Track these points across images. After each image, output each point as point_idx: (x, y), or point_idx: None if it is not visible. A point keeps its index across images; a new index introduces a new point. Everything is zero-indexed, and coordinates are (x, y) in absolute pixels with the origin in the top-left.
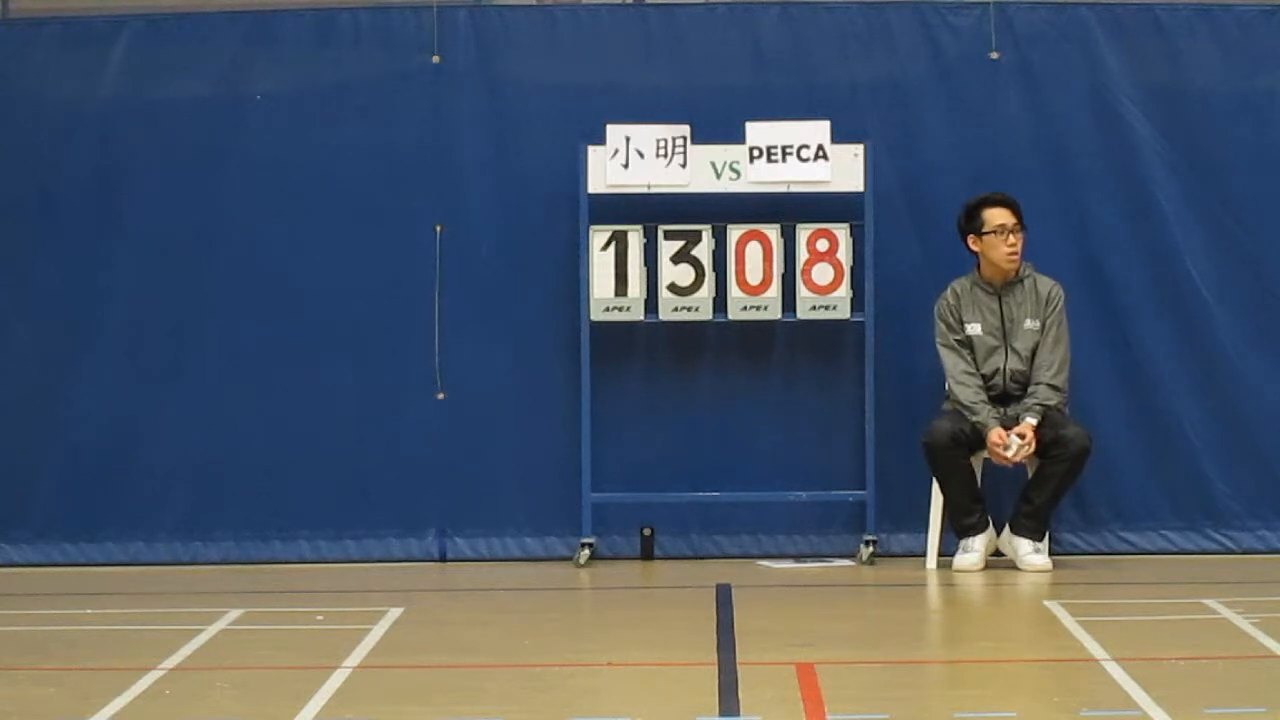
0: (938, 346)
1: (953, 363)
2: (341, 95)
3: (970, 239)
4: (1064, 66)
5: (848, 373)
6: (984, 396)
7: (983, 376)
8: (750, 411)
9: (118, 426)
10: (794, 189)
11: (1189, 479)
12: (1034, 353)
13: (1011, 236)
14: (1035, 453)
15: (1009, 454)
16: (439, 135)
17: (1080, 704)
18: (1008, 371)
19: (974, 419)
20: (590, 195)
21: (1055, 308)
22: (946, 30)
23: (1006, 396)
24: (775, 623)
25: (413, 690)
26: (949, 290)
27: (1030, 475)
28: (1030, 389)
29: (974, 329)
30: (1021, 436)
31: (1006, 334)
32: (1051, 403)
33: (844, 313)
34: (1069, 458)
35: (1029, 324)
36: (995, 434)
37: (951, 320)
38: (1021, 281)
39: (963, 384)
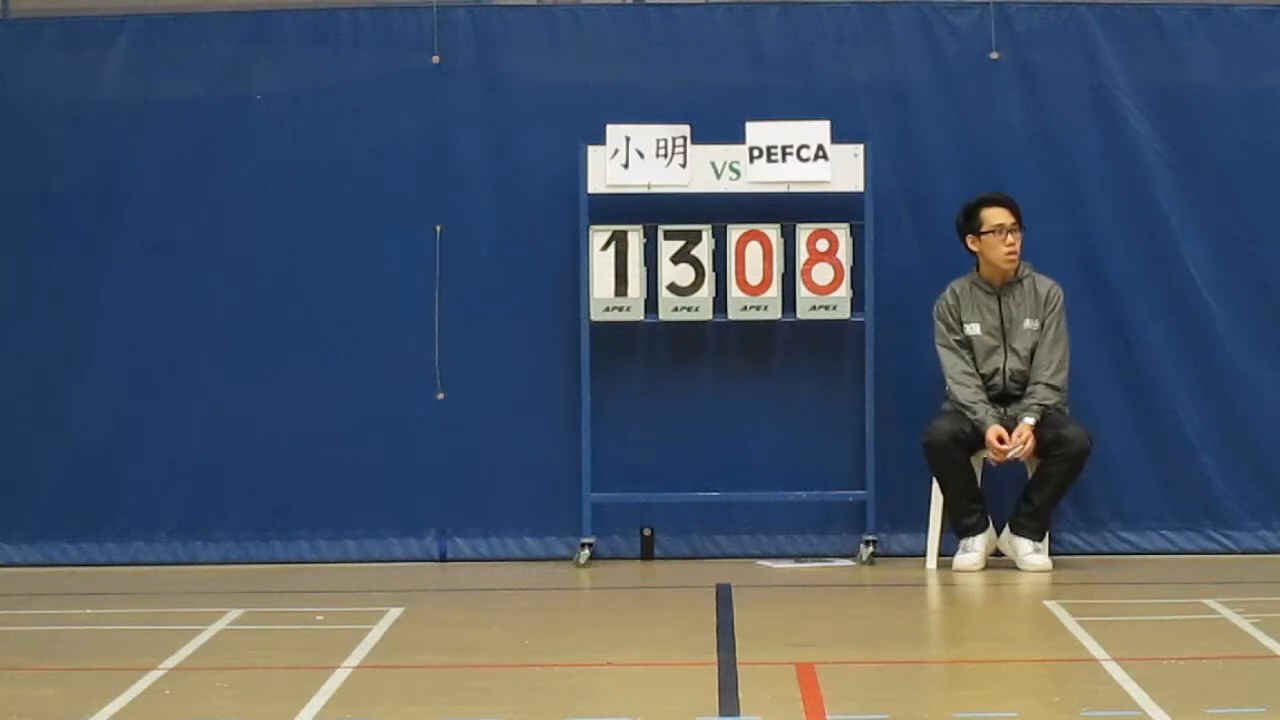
0: (937, 347)
1: (952, 363)
2: (341, 95)
3: (969, 239)
4: (1064, 66)
5: (848, 373)
6: (983, 396)
7: (982, 376)
8: (750, 412)
9: (118, 426)
10: (794, 189)
11: (1189, 479)
12: (1033, 352)
13: (1010, 236)
14: (1035, 453)
15: (1008, 451)
16: (439, 135)
17: (1080, 704)
18: (1007, 371)
19: (973, 418)
20: (590, 195)
21: (1054, 307)
22: (946, 30)
23: (1006, 396)
24: (775, 623)
25: (413, 690)
26: (948, 291)
27: (1030, 475)
28: (1029, 389)
29: (973, 329)
30: (1020, 437)
31: (1006, 334)
32: (1050, 402)
33: (844, 313)
34: (1069, 458)
35: (1028, 324)
36: (994, 432)
37: (951, 320)
38: (1020, 281)
39: (962, 384)
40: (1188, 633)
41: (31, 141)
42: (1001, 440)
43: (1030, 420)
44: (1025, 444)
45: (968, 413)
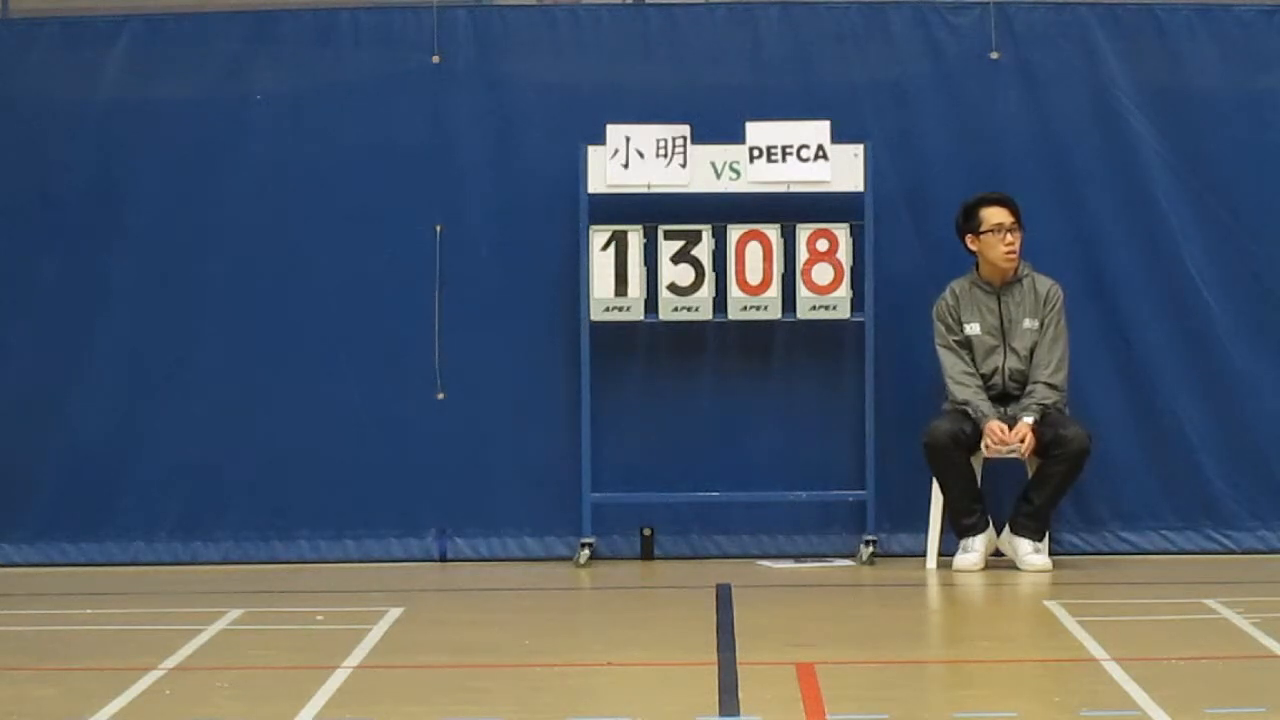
0: (936, 347)
1: (951, 363)
2: (341, 95)
3: (968, 239)
4: (1064, 66)
5: (848, 373)
6: (983, 396)
7: (982, 376)
8: (750, 411)
9: (118, 426)
10: (794, 189)
11: (1189, 479)
12: (1033, 352)
13: (1009, 235)
14: (1035, 452)
15: (1007, 445)
16: (439, 135)
17: (1080, 704)
18: (1007, 371)
19: (973, 415)
20: (590, 195)
21: (1054, 307)
22: (946, 30)
23: (1006, 396)
24: (775, 623)
25: (413, 690)
26: (947, 291)
27: (1030, 475)
28: (1028, 388)
29: (973, 329)
30: (1019, 435)
31: (1005, 334)
32: (1049, 401)
33: (844, 313)
34: (1069, 458)
35: (1028, 323)
36: (994, 425)
37: (950, 321)
38: (1020, 281)
39: (961, 384)
40: (1188, 633)
41: (31, 141)
42: (1001, 432)
43: (1029, 419)
44: (1025, 443)
45: (968, 410)
